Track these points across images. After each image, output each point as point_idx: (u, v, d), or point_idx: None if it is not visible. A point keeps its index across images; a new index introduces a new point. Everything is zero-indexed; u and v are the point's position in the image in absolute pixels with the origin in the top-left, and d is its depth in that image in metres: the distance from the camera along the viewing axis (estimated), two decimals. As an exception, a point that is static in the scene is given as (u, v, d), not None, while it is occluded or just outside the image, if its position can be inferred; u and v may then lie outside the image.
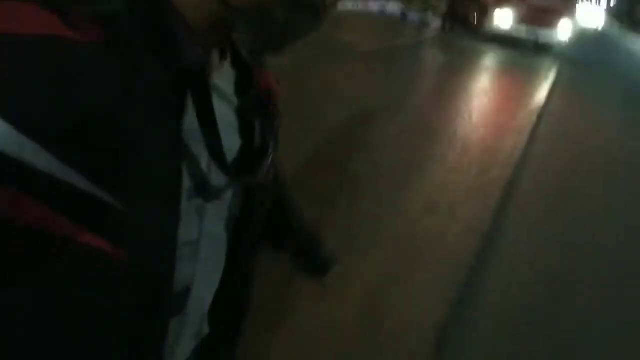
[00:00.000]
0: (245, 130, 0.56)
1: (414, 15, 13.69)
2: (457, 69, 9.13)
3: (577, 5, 15.55)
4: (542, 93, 8.27)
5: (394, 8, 14.51)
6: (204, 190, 0.50)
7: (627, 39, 23.08)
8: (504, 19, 12.45)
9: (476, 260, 3.14)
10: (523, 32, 12.47)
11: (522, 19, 12.35)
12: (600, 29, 25.03)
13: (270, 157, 0.58)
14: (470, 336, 2.51)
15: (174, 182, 0.45)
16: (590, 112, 8.16)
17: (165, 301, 0.48)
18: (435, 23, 13.55)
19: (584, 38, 19.05)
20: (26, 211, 0.36)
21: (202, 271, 0.54)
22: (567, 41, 13.16)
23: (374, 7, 14.77)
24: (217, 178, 0.51)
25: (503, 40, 12.20)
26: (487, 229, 3.56)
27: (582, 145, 6.18)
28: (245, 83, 0.56)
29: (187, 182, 0.47)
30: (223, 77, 0.54)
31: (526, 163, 5.03)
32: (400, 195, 3.83)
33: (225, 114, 0.53)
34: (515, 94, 8.37)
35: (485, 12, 12.72)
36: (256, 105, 0.57)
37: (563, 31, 12.77)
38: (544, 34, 12.61)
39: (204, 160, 0.49)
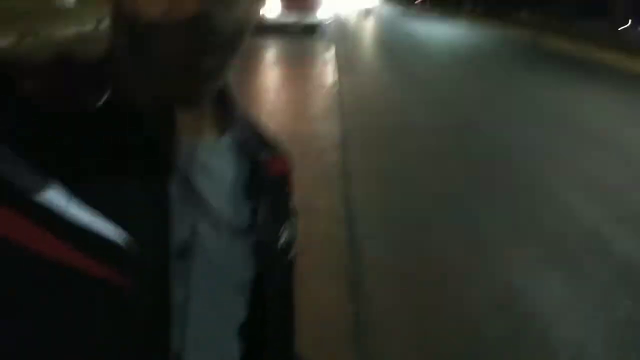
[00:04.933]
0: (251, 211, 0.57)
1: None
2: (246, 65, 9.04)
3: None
4: (330, 72, 8.69)
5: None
6: (188, 252, 0.51)
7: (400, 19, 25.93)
8: (271, 9, 13.06)
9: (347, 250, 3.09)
10: (289, 18, 13.37)
11: (285, 7, 13.22)
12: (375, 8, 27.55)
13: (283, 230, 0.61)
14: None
15: (164, 226, 0.47)
16: (376, 81, 8.86)
17: (163, 332, 0.47)
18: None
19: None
20: (39, 242, 0.41)
21: (195, 334, 0.52)
22: (329, 21, 14.49)
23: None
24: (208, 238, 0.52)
25: (274, 29, 12.54)
26: (343, 214, 3.57)
27: (383, 114, 6.66)
28: (249, 169, 0.57)
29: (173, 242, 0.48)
30: (215, 153, 0.55)
31: (348, 140, 5.17)
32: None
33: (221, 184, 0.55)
34: (308, 76, 8.64)
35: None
36: (261, 189, 0.58)
37: (323, 12, 14.04)
38: (307, 18, 13.69)
39: (188, 223, 0.50)
